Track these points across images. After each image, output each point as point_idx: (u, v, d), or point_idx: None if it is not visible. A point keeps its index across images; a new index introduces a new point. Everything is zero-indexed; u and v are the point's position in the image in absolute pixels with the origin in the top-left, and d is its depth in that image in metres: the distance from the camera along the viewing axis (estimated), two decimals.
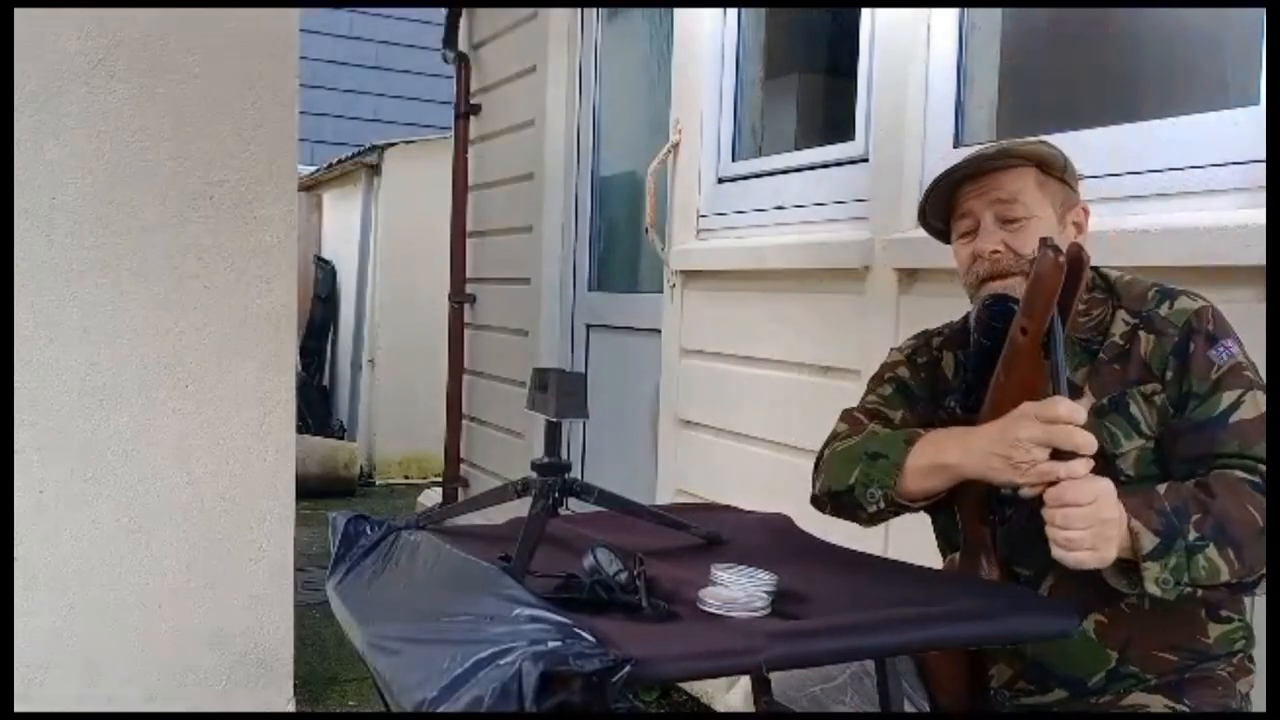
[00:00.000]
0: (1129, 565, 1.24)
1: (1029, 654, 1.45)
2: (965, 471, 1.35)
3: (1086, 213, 1.52)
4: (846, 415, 1.60)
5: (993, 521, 1.42)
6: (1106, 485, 1.23)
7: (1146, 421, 1.39)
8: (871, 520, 1.48)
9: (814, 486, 1.53)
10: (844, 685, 1.51)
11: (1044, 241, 1.27)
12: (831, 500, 1.50)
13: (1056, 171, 1.48)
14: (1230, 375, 1.35)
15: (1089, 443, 1.23)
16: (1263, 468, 1.29)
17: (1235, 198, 1.81)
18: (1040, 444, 1.24)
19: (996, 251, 1.45)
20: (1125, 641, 1.40)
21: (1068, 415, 1.23)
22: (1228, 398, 1.34)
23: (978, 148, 1.55)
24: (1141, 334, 1.41)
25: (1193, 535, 1.22)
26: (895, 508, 1.43)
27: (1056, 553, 1.23)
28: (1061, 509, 1.22)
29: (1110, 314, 1.45)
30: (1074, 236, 1.48)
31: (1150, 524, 1.23)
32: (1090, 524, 1.21)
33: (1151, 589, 1.23)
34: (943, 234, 1.57)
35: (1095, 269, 1.50)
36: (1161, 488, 1.28)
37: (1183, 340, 1.38)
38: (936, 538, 1.60)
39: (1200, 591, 1.24)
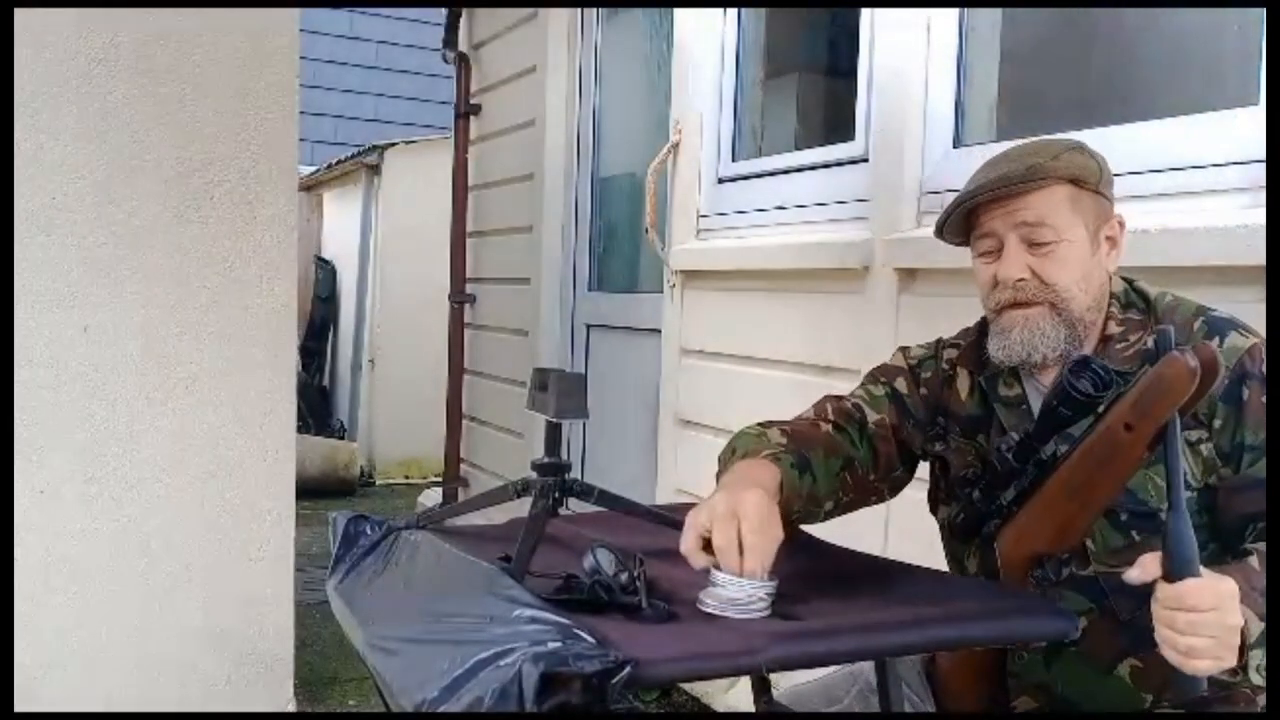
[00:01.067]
0: None
1: (1060, 693, 1.40)
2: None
3: (1122, 226, 1.41)
4: (822, 402, 1.54)
5: (1043, 579, 1.36)
6: (1231, 588, 1.11)
7: (1193, 472, 1.30)
8: None
9: None
10: (849, 706, 1.50)
11: (1168, 337, 1.14)
12: None
13: (1091, 185, 1.36)
14: None
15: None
16: None
17: (1236, 198, 1.81)
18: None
19: (1022, 279, 1.35)
20: (1161, 685, 1.35)
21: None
22: None
23: (1004, 152, 1.42)
24: None
25: None
26: None
27: (1171, 657, 1.11)
28: (1185, 614, 1.09)
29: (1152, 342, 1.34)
30: (1108, 254, 1.39)
31: (1256, 608, 1.13)
32: (1215, 632, 1.09)
33: (1254, 677, 1.15)
34: (963, 244, 1.48)
35: (1129, 281, 1.43)
36: (1254, 559, 1.19)
37: (1234, 384, 1.28)
38: (946, 558, 1.57)
39: None
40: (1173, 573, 1.11)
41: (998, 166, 1.39)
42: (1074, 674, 1.39)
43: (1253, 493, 1.27)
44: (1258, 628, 1.12)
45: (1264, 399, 1.28)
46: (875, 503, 1.54)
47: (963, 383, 1.51)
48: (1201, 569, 1.12)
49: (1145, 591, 1.14)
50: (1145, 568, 1.13)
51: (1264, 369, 1.29)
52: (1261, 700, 1.39)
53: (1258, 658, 1.13)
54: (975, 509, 1.40)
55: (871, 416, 1.50)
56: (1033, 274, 1.35)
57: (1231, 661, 1.11)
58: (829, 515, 1.47)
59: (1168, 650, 1.12)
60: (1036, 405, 1.40)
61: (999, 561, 1.34)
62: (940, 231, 1.46)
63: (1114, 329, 1.39)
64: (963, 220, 1.42)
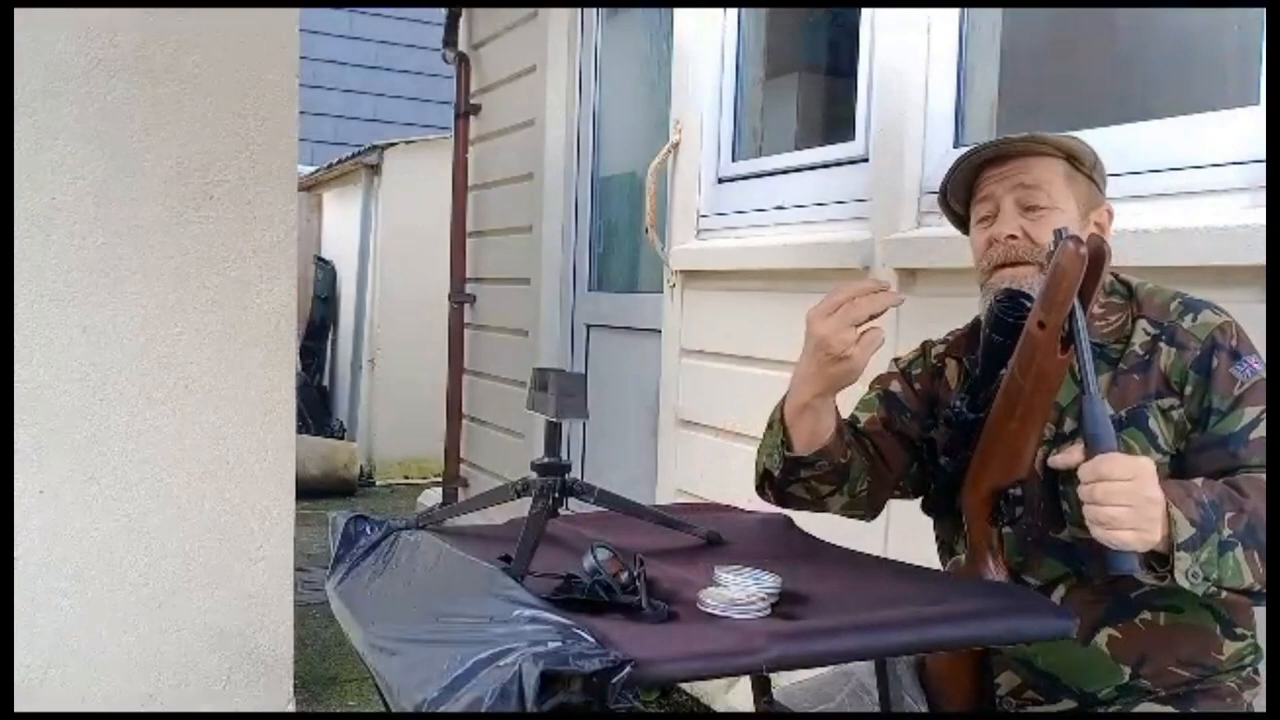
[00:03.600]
0: (1156, 556, 1.20)
1: (1040, 665, 1.43)
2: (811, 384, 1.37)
3: (1111, 215, 1.48)
4: None
5: (1001, 522, 1.38)
6: (1147, 463, 1.19)
7: (1164, 436, 1.36)
8: (785, 499, 1.50)
9: None
10: (842, 704, 1.50)
11: (1061, 231, 1.22)
12: (765, 483, 1.52)
13: (1085, 167, 1.44)
14: (1252, 391, 1.32)
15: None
16: None
17: (1235, 198, 1.81)
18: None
19: (1013, 237, 1.40)
20: (1140, 657, 1.38)
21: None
22: (1250, 413, 1.31)
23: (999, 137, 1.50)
24: (1162, 346, 1.38)
25: (1226, 532, 1.19)
26: (789, 464, 1.44)
27: (1097, 533, 1.17)
28: (1100, 484, 1.16)
29: (1130, 322, 1.41)
30: None
31: (1189, 513, 1.18)
32: (1132, 501, 1.15)
33: (1180, 580, 1.18)
34: (960, 220, 1.54)
35: (1115, 274, 1.47)
36: (1198, 480, 1.25)
37: (1205, 355, 1.35)
38: (937, 545, 1.59)
39: (1223, 593, 1.20)
40: (1090, 453, 1.18)
41: (996, 141, 1.47)
42: (1053, 645, 1.40)
43: (1216, 450, 1.33)
44: (1186, 530, 1.18)
45: (1232, 369, 1.34)
46: (899, 496, 1.59)
47: (952, 372, 1.57)
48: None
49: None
50: (1069, 455, 1.21)
51: (1235, 344, 1.36)
52: (1248, 697, 1.42)
53: (1185, 561, 1.18)
54: (946, 475, 1.44)
55: (863, 418, 1.57)
56: (1025, 234, 1.41)
57: (1155, 536, 1.17)
58: (854, 496, 1.51)
59: (1093, 527, 1.17)
60: None
61: (964, 516, 1.39)
62: (943, 195, 1.52)
63: (1096, 310, 1.43)
64: (965, 186, 1.49)
